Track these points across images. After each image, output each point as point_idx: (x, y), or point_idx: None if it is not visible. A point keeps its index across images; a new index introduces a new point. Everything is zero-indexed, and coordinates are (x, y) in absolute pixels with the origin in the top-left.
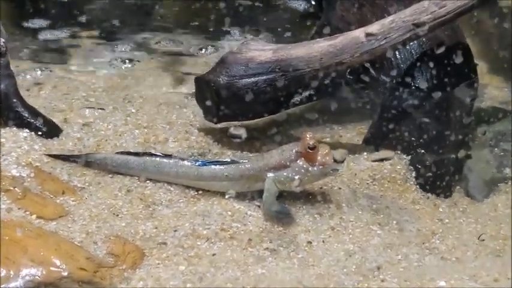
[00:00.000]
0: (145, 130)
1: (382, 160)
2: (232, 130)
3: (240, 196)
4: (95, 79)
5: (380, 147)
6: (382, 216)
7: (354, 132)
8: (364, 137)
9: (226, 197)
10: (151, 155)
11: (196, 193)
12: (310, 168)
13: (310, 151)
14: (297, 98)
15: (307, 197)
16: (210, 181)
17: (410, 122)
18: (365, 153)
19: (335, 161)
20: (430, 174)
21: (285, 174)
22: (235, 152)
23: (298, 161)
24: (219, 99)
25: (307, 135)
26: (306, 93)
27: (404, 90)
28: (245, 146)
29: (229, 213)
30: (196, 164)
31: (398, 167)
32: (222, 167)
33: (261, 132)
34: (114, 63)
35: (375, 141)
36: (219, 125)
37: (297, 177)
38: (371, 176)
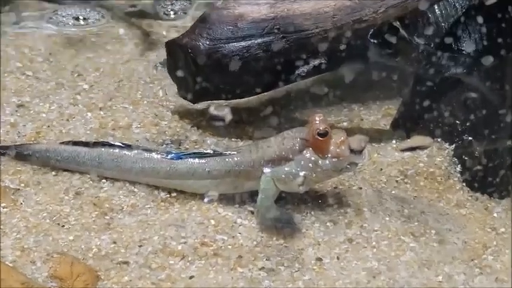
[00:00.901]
0: (101, 112)
1: (415, 149)
2: (213, 110)
3: (227, 199)
4: (34, 44)
5: (413, 133)
6: (416, 224)
7: (379, 114)
8: (392, 119)
9: (205, 200)
10: (108, 145)
11: (168, 196)
12: (320, 162)
13: (320, 139)
14: (302, 69)
15: (317, 200)
16: (186, 179)
17: (453, 98)
18: (393, 142)
19: (352, 151)
20: (479, 168)
21: (286, 169)
22: (219, 140)
23: (304, 152)
24: (198, 69)
25: (316, 118)
26: (314, 62)
27: (445, 56)
28: (233, 132)
29: (212, 222)
30: (168, 156)
31: (438, 159)
32: (202, 160)
33: (253, 113)
34: (61, 22)
35: (405, 124)
36: (198, 105)
37: (302, 173)
38: (401, 172)
